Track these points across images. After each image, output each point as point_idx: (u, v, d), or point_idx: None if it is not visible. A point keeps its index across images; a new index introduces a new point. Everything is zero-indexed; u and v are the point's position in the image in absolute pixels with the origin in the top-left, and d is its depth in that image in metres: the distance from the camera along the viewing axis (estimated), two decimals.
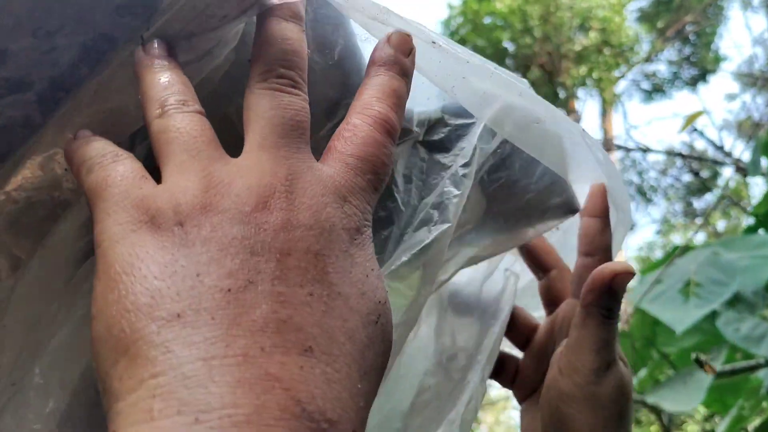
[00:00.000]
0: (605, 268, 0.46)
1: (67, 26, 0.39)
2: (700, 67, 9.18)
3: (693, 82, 9.26)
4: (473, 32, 9.09)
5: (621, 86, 9.68)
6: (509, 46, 9.27)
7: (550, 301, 0.54)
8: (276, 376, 0.22)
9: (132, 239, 0.26)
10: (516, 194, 0.44)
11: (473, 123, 0.38)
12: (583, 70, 8.82)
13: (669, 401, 1.87)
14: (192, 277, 0.24)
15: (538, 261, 0.53)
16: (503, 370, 0.56)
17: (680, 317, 1.84)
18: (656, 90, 9.60)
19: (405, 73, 0.33)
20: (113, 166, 0.29)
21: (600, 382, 0.46)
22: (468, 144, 0.37)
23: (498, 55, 9.33)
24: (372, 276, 0.27)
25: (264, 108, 0.29)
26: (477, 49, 9.34)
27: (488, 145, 0.38)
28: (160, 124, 0.30)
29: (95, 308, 0.25)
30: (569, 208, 0.43)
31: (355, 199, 0.28)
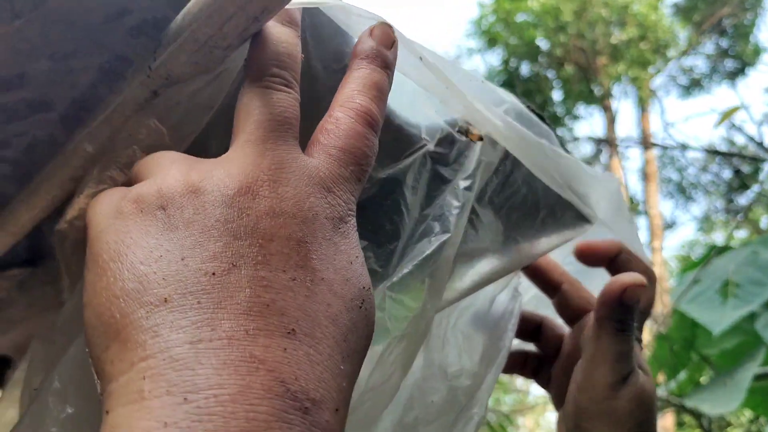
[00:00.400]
0: (616, 280, 0.46)
1: (82, 49, 0.40)
2: (739, 60, 8.98)
3: (732, 76, 9.06)
4: (505, 30, 9.04)
5: (658, 82, 9.52)
6: (542, 44, 9.19)
7: (570, 314, 0.53)
8: (260, 358, 0.23)
9: (117, 226, 0.26)
10: (529, 213, 0.44)
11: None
12: (619, 67, 8.69)
13: (708, 404, 1.83)
14: (177, 261, 0.25)
15: (546, 279, 0.53)
16: (525, 364, 0.56)
17: (718, 318, 1.80)
18: (694, 85, 9.42)
19: (387, 66, 0.33)
20: None
21: (616, 396, 0.46)
22: (471, 156, 0.37)
23: (531, 54, 9.26)
24: (356, 263, 0.28)
25: (254, 105, 0.30)
26: (509, 48, 9.28)
27: (491, 158, 0.37)
28: None
29: (86, 297, 0.26)
30: (584, 218, 0.43)
31: (338, 189, 0.29)
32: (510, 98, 0.39)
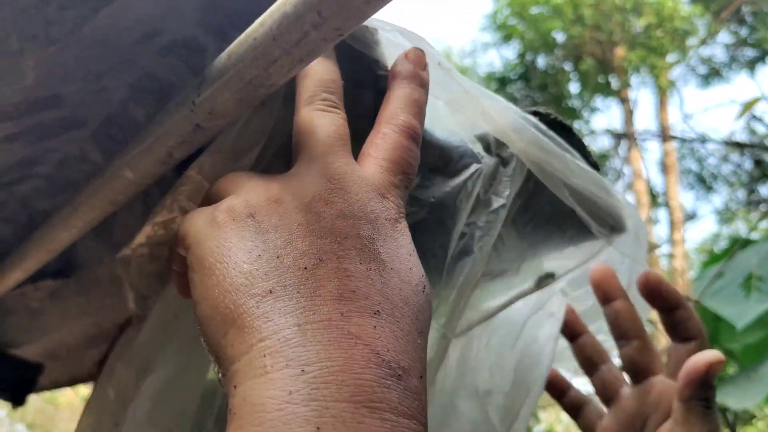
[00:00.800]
0: (699, 360, 0.47)
1: (114, 69, 0.41)
2: (758, 48, 8.86)
3: (751, 65, 8.94)
4: (520, 23, 8.98)
5: (676, 72, 9.41)
6: (558, 36, 9.12)
7: (636, 373, 0.53)
8: (356, 334, 0.27)
9: (215, 233, 0.30)
10: (553, 233, 0.44)
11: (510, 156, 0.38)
12: (637, 55, 8.60)
13: (734, 398, 1.81)
14: (273, 259, 0.29)
15: (622, 328, 0.52)
16: (565, 395, 0.56)
17: (741, 312, 1.78)
18: (713, 74, 9.31)
19: (423, 85, 0.37)
20: None
21: None
22: (501, 176, 0.37)
23: (547, 46, 9.20)
24: (413, 255, 0.32)
25: (313, 125, 0.34)
26: (525, 41, 9.22)
27: (518, 177, 0.37)
28: None
29: (197, 294, 0.30)
30: (615, 228, 0.42)
31: (391, 195, 0.33)
32: (529, 118, 0.39)
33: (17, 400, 0.90)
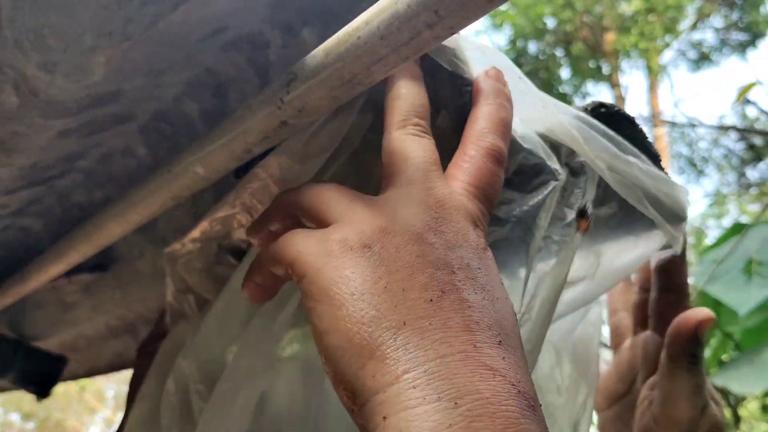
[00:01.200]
0: (688, 317, 0.47)
1: (175, 65, 0.41)
2: (749, 32, 8.87)
3: (742, 48, 8.96)
4: (511, 9, 8.95)
5: (667, 57, 9.42)
6: (549, 22, 9.09)
7: (650, 319, 0.53)
8: (492, 366, 0.27)
9: (333, 264, 0.31)
10: (620, 236, 0.44)
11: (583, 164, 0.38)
12: (628, 39, 8.59)
13: (737, 382, 1.83)
14: (399, 292, 0.29)
15: (672, 280, 0.51)
16: None
17: (743, 298, 1.80)
18: (703, 59, 9.32)
19: (509, 101, 0.37)
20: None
21: (696, 429, 0.47)
22: (575, 185, 0.37)
23: (538, 32, 9.18)
24: (502, 283, 0.33)
25: (408, 149, 0.34)
26: (516, 27, 9.20)
27: (592, 185, 0.37)
28: None
29: (324, 325, 0.30)
30: (678, 219, 0.42)
31: (481, 224, 0.33)
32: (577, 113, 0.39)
33: (42, 393, 0.90)
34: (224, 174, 0.38)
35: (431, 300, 0.29)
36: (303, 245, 0.32)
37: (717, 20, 9.01)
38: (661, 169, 0.41)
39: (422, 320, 0.28)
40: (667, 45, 9.11)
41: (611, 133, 0.38)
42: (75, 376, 1.13)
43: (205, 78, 0.44)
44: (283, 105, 0.32)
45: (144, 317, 0.91)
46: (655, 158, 0.41)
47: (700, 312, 0.48)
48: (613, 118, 0.40)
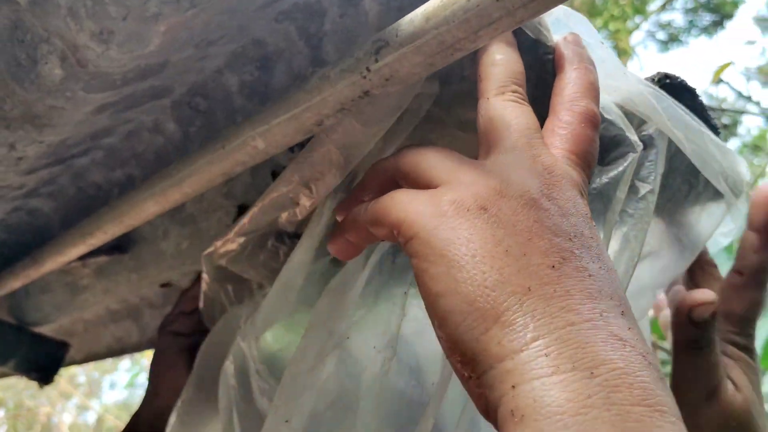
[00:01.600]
0: (683, 300, 0.46)
1: (226, 36, 0.39)
2: (716, 13, 8.96)
3: (710, 29, 9.06)
4: None
5: (636, 38, 9.48)
6: None
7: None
8: (619, 336, 0.26)
9: (449, 224, 0.29)
10: (688, 208, 0.44)
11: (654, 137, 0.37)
12: (598, 21, 8.64)
13: None
14: (521, 256, 0.28)
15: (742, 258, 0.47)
16: None
17: None
18: (672, 39, 9.41)
19: (593, 64, 0.36)
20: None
21: (700, 413, 0.45)
22: (647, 157, 0.36)
23: None
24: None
25: (509, 115, 0.33)
26: None
27: (660, 162, 0.37)
28: None
29: (441, 287, 0.29)
30: (740, 191, 0.42)
31: (584, 191, 0.33)
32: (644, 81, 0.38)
33: (44, 379, 0.88)
34: (284, 149, 0.37)
35: (553, 266, 0.28)
36: (412, 205, 0.31)
37: (686, 1, 9.09)
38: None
39: (547, 287, 0.27)
40: (637, 26, 9.17)
41: (679, 104, 0.38)
42: (72, 362, 1.11)
43: (252, 49, 0.42)
44: (369, 74, 0.31)
45: (149, 301, 0.89)
46: (715, 130, 0.40)
47: (699, 295, 0.46)
48: (675, 89, 0.39)
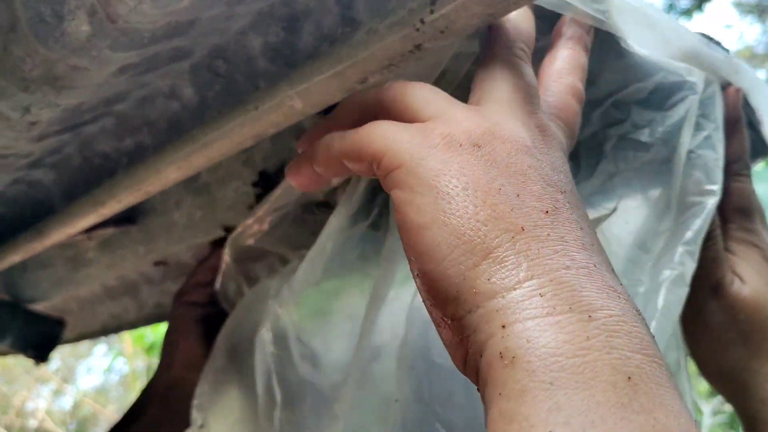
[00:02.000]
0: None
1: None
2: None
3: (689, 12, 9.14)
4: None
5: None
6: None
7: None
8: (613, 287, 0.26)
9: (440, 156, 0.28)
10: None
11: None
12: None
13: None
14: (514, 197, 0.27)
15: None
16: None
17: None
18: None
19: (587, 50, 0.37)
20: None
21: (705, 309, 0.45)
22: (711, 102, 0.36)
23: None
24: None
25: (510, 72, 0.33)
26: None
27: (718, 100, 0.37)
28: None
29: (426, 218, 0.27)
30: None
31: (567, 157, 0.33)
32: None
33: (41, 357, 0.87)
34: (322, 108, 0.36)
35: (546, 212, 0.27)
36: (399, 135, 0.30)
37: None
38: None
39: (540, 229, 0.27)
40: None
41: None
42: (65, 341, 1.09)
43: (279, 9, 0.41)
44: (423, 26, 0.30)
45: (148, 277, 0.88)
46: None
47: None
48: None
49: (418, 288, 0.28)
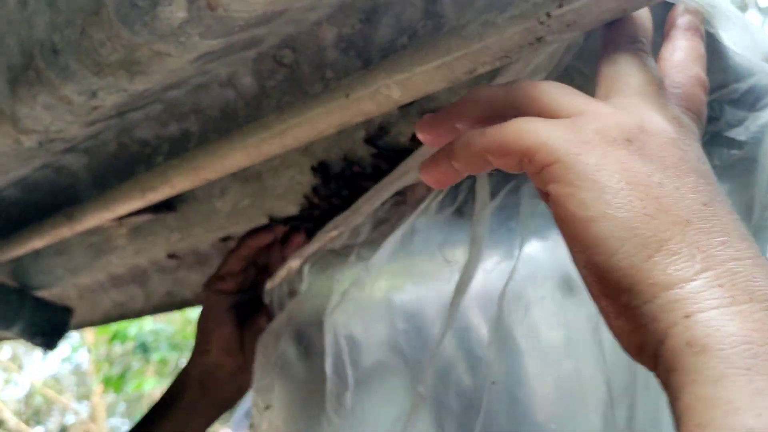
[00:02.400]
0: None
1: None
2: None
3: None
4: None
5: None
6: None
7: None
8: None
9: (596, 151, 0.29)
10: None
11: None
12: None
13: None
14: (673, 190, 0.28)
15: None
16: None
17: None
18: None
19: (703, 39, 0.37)
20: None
21: None
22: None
23: None
24: None
25: (638, 66, 0.33)
26: None
27: None
28: None
29: (591, 212, 0.28)
30: None
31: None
32: None
33: (49, 345, 0.85)
34: (420, 97, 0.36)
35: (705, 204, 0.28)
36: (551, 132, 0.30)
37: None
38: None
39: (704, 222, 0.27)
40: None
41: None
42: None
43: (361, 1, 0.41)
44: (549, 20, 0.30)
45: (160, 265, 0.86)
46: None
47: None
48: None
49: (583, 278, 0.29)
